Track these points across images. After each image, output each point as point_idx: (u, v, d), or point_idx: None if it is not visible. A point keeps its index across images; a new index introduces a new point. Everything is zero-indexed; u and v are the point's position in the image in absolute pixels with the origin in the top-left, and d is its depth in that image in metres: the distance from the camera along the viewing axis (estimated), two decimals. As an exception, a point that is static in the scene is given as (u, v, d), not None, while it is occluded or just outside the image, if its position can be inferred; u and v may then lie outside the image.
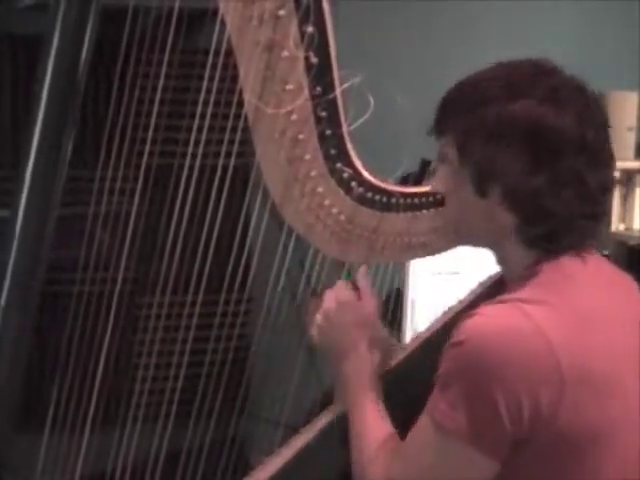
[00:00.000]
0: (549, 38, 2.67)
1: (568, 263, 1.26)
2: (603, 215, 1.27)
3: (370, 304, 1.48)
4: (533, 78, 1.24)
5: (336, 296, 1.46)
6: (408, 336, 2.23)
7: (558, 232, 1.25)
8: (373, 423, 1.36)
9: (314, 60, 1.41)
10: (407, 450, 1.26)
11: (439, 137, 1.31)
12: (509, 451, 1.19)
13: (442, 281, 2.23)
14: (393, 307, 2.03)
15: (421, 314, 2.24)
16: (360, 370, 1.42)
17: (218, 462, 1.72)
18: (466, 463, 1.19)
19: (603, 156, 1.25)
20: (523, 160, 1.21)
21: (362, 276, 1.50)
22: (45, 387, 1.67)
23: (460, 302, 1.57)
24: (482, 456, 1.18)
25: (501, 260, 1.33)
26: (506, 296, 1.25)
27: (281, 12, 1.39)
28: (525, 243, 1.27)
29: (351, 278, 1.51)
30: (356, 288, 1.48)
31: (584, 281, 1.26)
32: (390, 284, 1.73)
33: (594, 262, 1.30)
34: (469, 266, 2.13)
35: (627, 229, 2.76)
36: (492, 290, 1.46)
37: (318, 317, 1.46)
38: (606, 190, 1.27)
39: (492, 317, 1.20)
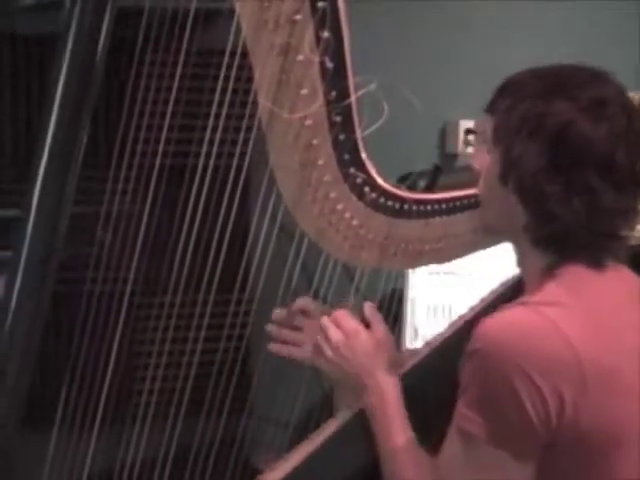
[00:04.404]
0: (549, 38, 2.66)
1: (584, 270, 1.26)
2: (623, 237, 1.27)
3: (380, 330, 1.48)
4: (585, 84, 1.24)
5: (344, 327, 1.45)
6: (408, 335, 2.26)
7: (562, 238, 1.25)
8: (406, 455, 1.35)
9: (329, 65, 1.40)
10: (442, 466, 1.26)
11: (487, 115, 1.32)
12: (540, 452, 1.18)
13: (441, 280, 2.24)
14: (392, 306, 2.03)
15: (421, 313, 2.25)
16: (382, 399, 1.40)
17: (217, 461, 1.72)
18: (499, 469, 1.19)
19: (629, 180, 1.24)
20: (543, 159, 1.22)
21: (369, 305, 1.50)
22: (53, 386, 1.66)
23: (481, 301, 1.55)
24: (513, 459, 1.18)
25: (519, 261, 1.34)
26: (521, 299, 1.26)
27: (297, 16, 1.38)
28: (533, 243, 1.27)
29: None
30: (361, 315, 1.47)
31: (600, 288, 1.26)
32: (389, 283, 1.73)
33: (613, 272, 1.29)
34: (468, 266, 2.14)
35: (628, 229, 2.75)
36: (510, 292, 1.46)
37: (327, 352, 1.45)
38: (626, 214, 1.26)
39: (508, 319, 1.21)
